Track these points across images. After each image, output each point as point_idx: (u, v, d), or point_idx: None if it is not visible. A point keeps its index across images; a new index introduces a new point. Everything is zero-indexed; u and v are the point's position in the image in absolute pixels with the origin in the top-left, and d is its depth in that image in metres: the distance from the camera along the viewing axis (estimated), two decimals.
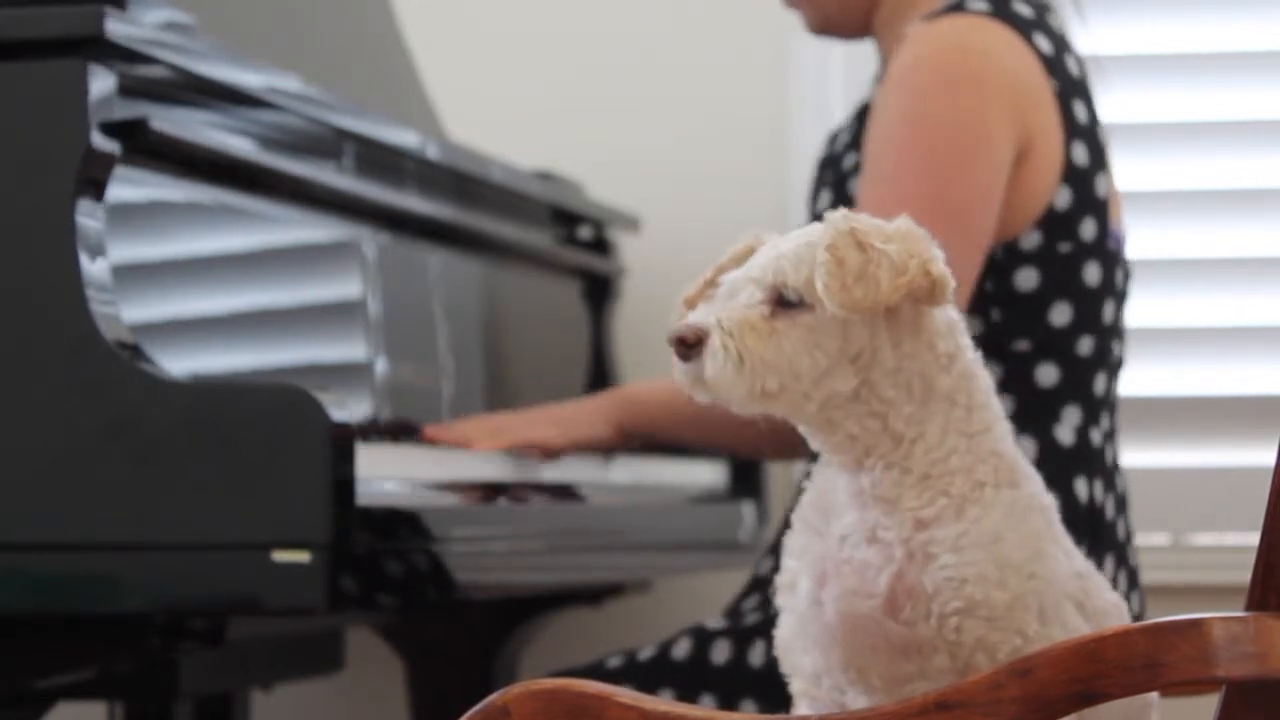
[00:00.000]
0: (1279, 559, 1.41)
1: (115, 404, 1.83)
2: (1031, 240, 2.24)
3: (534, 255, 2.76)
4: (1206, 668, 1.37)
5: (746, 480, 2.90)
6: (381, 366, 2.27)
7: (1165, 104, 3.13)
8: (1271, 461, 1.43)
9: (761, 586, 2.31)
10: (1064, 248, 2.25)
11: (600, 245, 2.98)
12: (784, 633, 1.68)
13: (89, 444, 1.84)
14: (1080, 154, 2.26)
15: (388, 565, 1.90)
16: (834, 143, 2.46)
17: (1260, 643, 1.38)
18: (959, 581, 1.57)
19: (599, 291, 2.96)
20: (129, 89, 1.92)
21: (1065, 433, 2.24)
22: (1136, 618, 2.29)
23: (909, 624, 1.59)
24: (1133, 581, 2.29)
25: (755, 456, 2.77)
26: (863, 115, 2.41)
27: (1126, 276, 2.36)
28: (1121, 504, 2.30)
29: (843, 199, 2.33)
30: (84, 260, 1.85)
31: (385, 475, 2.03)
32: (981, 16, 2.24)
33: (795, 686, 1.68)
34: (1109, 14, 2.97)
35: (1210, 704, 1.46)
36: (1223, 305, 3.11)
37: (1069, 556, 1.67)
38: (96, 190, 1.88)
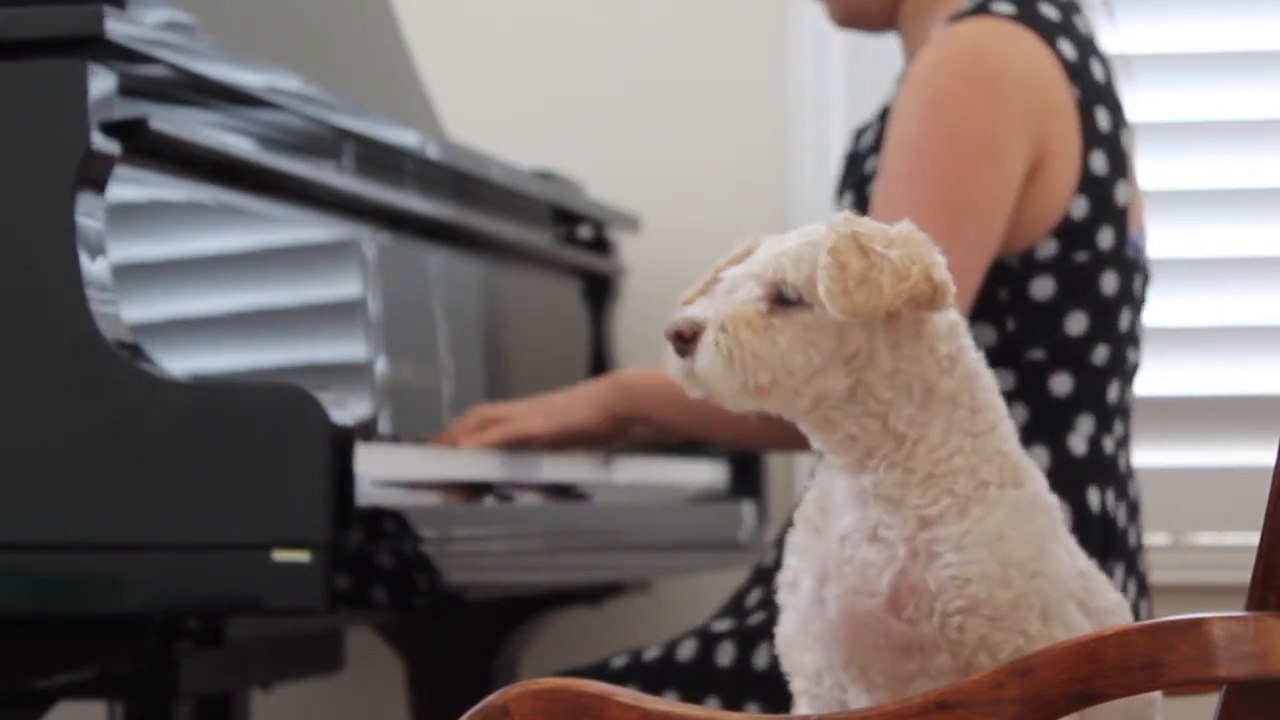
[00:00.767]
0: (1279, 559, 1.41)
1: (115, 404, 1.83)
2: (1048, 249, 2.23)
3: (534, 255, 2.76)
4: (1206, 668, 1.37)
5: (747, 480, 2.90)
6: (381, 366, 2.27)
7: (1165, 104, 3.13)
8: (1271, 461, 1.43)
9: (766, 578, 2.30)
10: (1080, 257, 2.24)
11: (600, 245, 2.98)
12: (786, 630, 1.68)
13: (89, 444, 1.84)
14: (1099, 163, 2.25)
15: (387, 565, 1.90)
16: (859, 140, 2.45)
17: (1260, 643, 1.38)
18: (963, 580, 1.57)
19: (599, 291, 2.96)
20: (129, 89, 1.92)
21: (1078, 442, 2.24)
22: None
23: (912, 622, 1.59)
24: (1142, 588, 2.28)
25: (748, 447, 2.76)
26: (885, 115, 2.40)
27: (1146, 281, 2.34)
28: (1133, 511, 2.29)
29: (864, 202, 2.33)
30: (84, 260, 1.85)
31: (385, 475, 2.03)
32: (1006, 20, 2.23)
33: (796, 685, 1.68)
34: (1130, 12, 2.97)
35: (1210, 704, 1.46)
36: (1223, 305, 3.11)
37: (1072, 556, 1.67)
38: (96, 190, 1.88)
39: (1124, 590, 2.24)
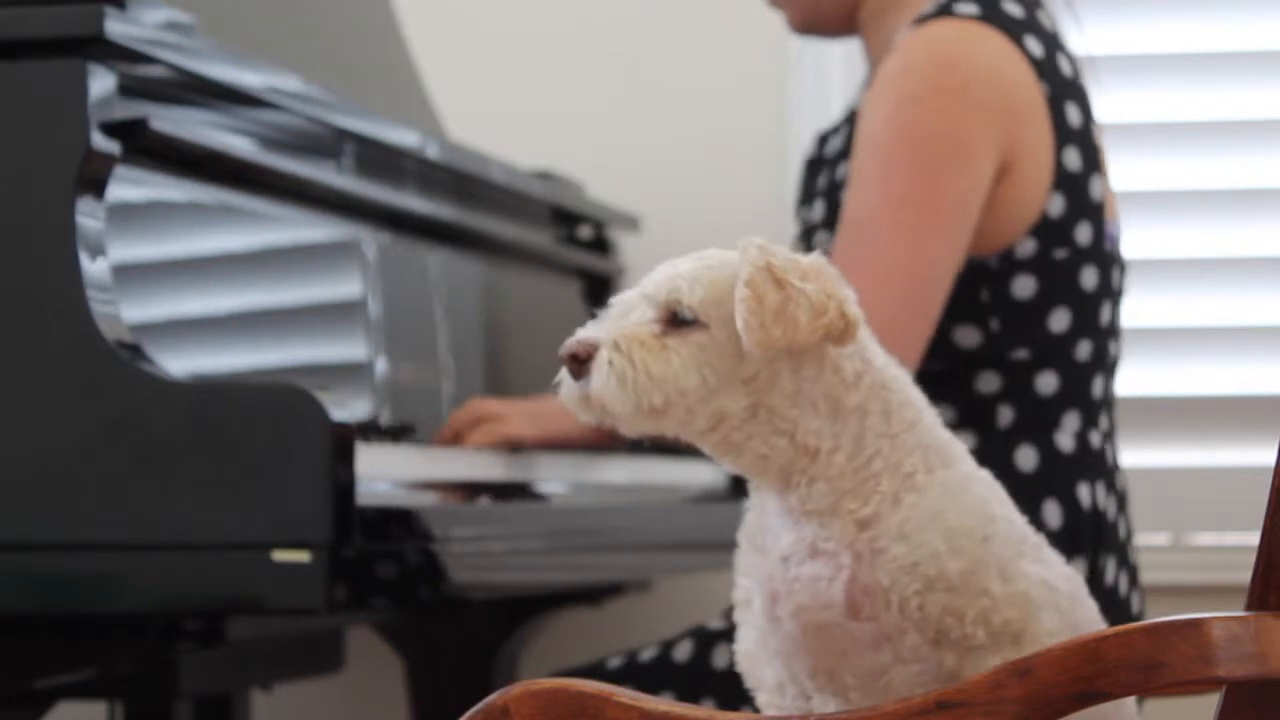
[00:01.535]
0: (1279, 559, 1.41)
1: (115, 404, 1.83)
2: (1027, 248, 2.24)
3: (534, 255, 2.76)
4: (1206, 668, 1.37)
5: (746, 480, 2.89)
6: (381, 366, 2.27)
7: (1165, 104, 3.13)
8: (1271, 461, 1.43)
9: None
10: (1060, 254, 2.25)
11: (600, 245, 2.98)
12: (744, 646, 1.68)
13: (89, 444, 1.84)
14: (1072, 159, 2.26)
15: (387, 565, 1.90)
16: (824, 145, 2.46)
17: (1260, 643, 1.38)
18: (911, 564, 1.57)
19: (599, 291, 2.95)
20: (129, 89, 1.92)
21: (1066, 439, 2.24)
22: (1136, 617, 2.29)
23: (873, 618, 1.58)
24: (1133, 580, 2.29)
25: None
26: (853, 120, 2.41)
27: (1123, 273, 2.36)
28: (1122, 503, 2.30)
29: (835, 209, 2.33)
30: (84, 260, 1.85)
31: (385, 475, 2.03)
32: (971, 21, 2.24)
33: (760, 699, 1.68)
34: (1103, 14, 2.97)
35: (1210, 704, 1.46)
36: (1223, 305, 3.11)
37: (1012, 523, 1.65)
38: (96, 190, 1.88)
39: (1116, 583, 2.24)
